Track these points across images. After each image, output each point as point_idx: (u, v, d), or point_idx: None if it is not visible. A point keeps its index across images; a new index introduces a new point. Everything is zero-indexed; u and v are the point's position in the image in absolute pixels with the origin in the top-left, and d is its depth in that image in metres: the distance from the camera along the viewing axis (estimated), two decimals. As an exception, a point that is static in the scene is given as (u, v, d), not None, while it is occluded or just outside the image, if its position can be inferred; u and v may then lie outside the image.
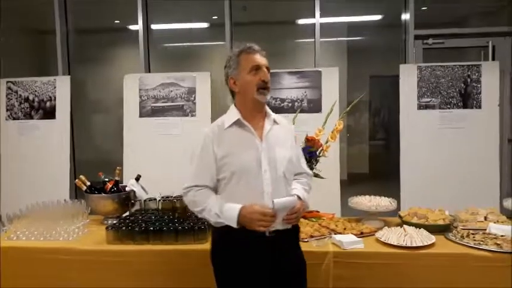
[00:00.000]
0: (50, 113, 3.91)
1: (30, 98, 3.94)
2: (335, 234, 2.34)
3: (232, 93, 1.97)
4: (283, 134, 1.95)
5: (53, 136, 3.88)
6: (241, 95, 1.92)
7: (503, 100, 4.12)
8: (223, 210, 1.81)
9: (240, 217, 1.77)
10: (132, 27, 4.77)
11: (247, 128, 1.88)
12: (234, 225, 1.78)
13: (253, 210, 1.75)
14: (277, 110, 3.56)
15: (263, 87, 1.86)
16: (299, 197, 1.88)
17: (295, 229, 1.95)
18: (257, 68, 1.87)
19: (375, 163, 5.09)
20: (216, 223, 1.85)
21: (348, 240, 2.19)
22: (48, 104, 3.92)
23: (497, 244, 2.13)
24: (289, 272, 1.88)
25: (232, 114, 1.91)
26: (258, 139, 1.87)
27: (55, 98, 3.91)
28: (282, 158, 1.87)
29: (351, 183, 4.43)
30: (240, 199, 1.81)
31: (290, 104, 3.69)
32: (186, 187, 1.91)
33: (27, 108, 3.95)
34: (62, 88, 3.91)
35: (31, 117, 3.94)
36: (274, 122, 1.94)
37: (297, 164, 1.99)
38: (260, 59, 1.89)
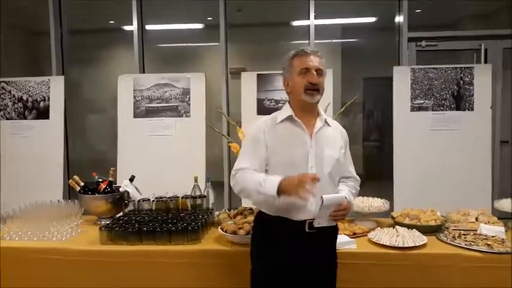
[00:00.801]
0: (43, 113, 3.89)
1: (24, 98, 3.93)
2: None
3: (287, 93, 2.04)
4: (333, 135, 2.02)
5: (47, 136, 3.86)
6: (292, 95, 1.99)
7: (495, 102, 4.16)
8: (266, 179, 1.81)
9: (281, 185, 1.75)
10: (126, 27, 4.77)
11: (299, 123, 1.94)
12: (274, 192, 1.75)
13: (294, 177, 1.75)
14: (271, 111, 3.56)
15: (311, 89, 1.91)
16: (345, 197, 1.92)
17: (334, 231, 2.00)
18: (306, 70, 1.92)
19: (368, 164, 5.11)
20: (258, 200, 1.88)
21: (341, 241, 2.20)
22: (41, 104, 3.90)
23: (488, 245, 2.15)
24: (319, 271, 1.92)
25: (285, 110, 1.99)
26: (308, 136, 1.93)
27: (49, 98, 3.90)
28: (329, 158, 1.93)
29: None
30: None
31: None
32: (235, 169, 1.92)
33: (20, 108, 3.93)
34: (55, 88, 3.90)
35: (24, 118, 3.92)
36: (326, 122, 2.00)
37: (345, 167, 2.06)
38: (311, 61, 1.92)
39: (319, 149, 1.92)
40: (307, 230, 1.86)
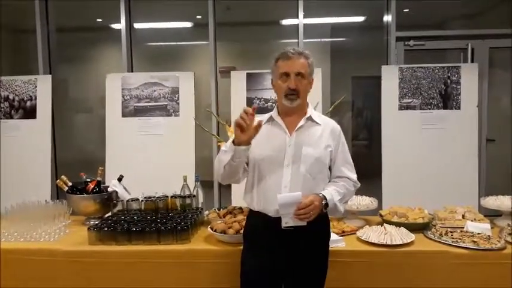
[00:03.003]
0: (30, 113, 3.85)
1: (10, 97, 3.88)
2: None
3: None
4: (319, 133, 1.99)
5: (34, 136, 3.82)
6: (277, 97, 2.04)
7: (482, 101, 4.22)
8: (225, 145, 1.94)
9: (235, 138, 1.84)
10: (114, 26, 4.73)
11: (278, 124, 1.99)
12: (232, 145, 1.85)
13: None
14: (261, 110, 3.57)
15: (290, 94, 1.92)
16: (324, 196, 1.90)
17: (320, 230, 1.99)
18: (286, 74, 1.92)
19: (357, 163, 5.13)
20: (223, 164, 1.90)
21: (330, 239, 2.21)
22: (28, 103, 3.86)
23: (474, 242, 2.18)
24: (304, 269, 1.94)
25: (272, 112, 2.05)
26: (287, 135, 1.96)
27: (36, 97, 3.86)
28: (307, 156, 1.92)
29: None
30: (261, 188, 1.94)
31: (274, 105, 3.68)
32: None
33: (6, 107, 3.88)
34: (42, 87, 3.86)
35: (11, 117, 3.88)
36: (313, 121, 2.00)
37: (336, 166, 2.02)
38: (291, 65, 1.92)
39: (297, 147, 1.93)
40: (282, 227, 1.87)
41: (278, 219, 1.87)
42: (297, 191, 1.86)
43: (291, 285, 1.98)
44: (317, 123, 2.00)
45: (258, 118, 2.05)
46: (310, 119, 2.00)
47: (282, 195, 1.84)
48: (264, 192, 1.93)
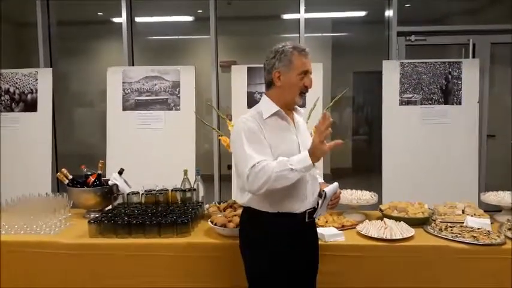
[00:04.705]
0: (31, 106, 3.85)
1: (11, 90, 3.88)
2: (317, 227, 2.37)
3: (269, 83, 1.95)
4: (303, 122, 2.08)
5: (35, 129, 3.82)
6: (281, 90, 1.91)
7: (483, 97, 4.21)
8: (290, 159, 1.78)
9: (311, 154, 1.76)
10: (115, 19, 4.72)
11: (285, 117, 1.94)
12: (309, 162, 1.75)
13: (314, 141, 1.76)
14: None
15: (304, 92, 1.92)
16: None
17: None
18: (306, 72, 1.90)
19: (357, 158, 5.15)
20: (290, 180, 1.76)
21: (330, 233, 2.22)
22: (29, 96, 3.86)
23: (474, 237, 2.18)
24: (315, 261, 2.02)
25: (270, 105, 1.92)
26: (293, 128, 1.96)
27: (36, 90, 3.85)
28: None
29: (334, 178, 4.45)
30: (288, 187, 1.80)
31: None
32: (253, 164, 1.75)
33: (7, 100, 3.88)
34: (43, 80, 3.86)
35: (12, 110, 3.88)
36: (298, 112, 2.04)
37: None
38: (309, 63, 1.92)
39: (302, 138, 1.96)
40: (306, 220, 1.92)
41: (303, 214, 1.90)
42: (316, 183, 1.95)
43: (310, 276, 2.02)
44: (298, 111, 2.04)
45: (249, 114, 2.00)
46: (297, 111, 2.05)
47: (328, 188, 1.88)
48: (289, 189, 1.83)
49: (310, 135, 2.01)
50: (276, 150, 1.84)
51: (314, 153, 1.75)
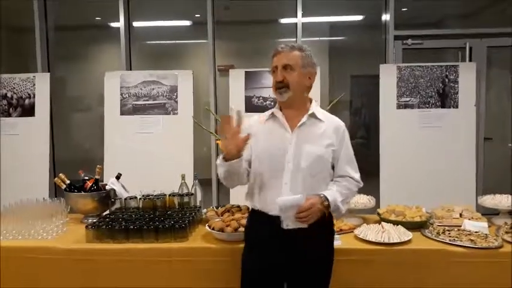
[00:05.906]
0: (28, 111, 3.85)
1: (9, 95, 3.87)
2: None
3: None
4: (322, 131, 1.96)
5: (32, 134, 3.81)
6: None
7: (480, 100, 4.23)
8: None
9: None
10: (113, 24, 4.73)
11: (279, 120, 1.97)
12: (223, 161, 1.86)
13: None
14: (260, 108, 3.58)
15: (279, 87, 1.93)
16: (326, 197, 1.88)
17: (323, 228, 1.96)
18: (274, 69, 1.95)
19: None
20: (222, 174, 1.93)
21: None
22: (27, 101, 3.85)
23: (472, 240, 2.19)
24: (306, 268, 1.93)
25: (273, 108, 2.04)
26: (289, 132, 1.94)
27: (34, 95, 3.85)
28: (308, 154, 1.90)
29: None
30: (262, 187, 1.94)
31: (272, 103, 3.71)
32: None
33: (5, 105, 3.88)
34: (41, 85, 3.85)
35: (9, 115, 3.87)
36: (316, 117, 1.97)
37: (339, 165, 1.98)
38: (278, 59, 1.94)
39: (299, 144, 1.91)
40: (284, 227, 1.87)
41: (278, 218, 1.87)
42: (298, 188, 1.85)
43: (295, 285, 1.96)
44: (320, 120, 1.97)
45: (256, 116, 2.06)
46: (312, 115, 1.97)
47: (282, 198, 1.82)
48: (265, 191, 1.93)
49: (323, 144, 1.94)
50: (262, 144, 1.95)
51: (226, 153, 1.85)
